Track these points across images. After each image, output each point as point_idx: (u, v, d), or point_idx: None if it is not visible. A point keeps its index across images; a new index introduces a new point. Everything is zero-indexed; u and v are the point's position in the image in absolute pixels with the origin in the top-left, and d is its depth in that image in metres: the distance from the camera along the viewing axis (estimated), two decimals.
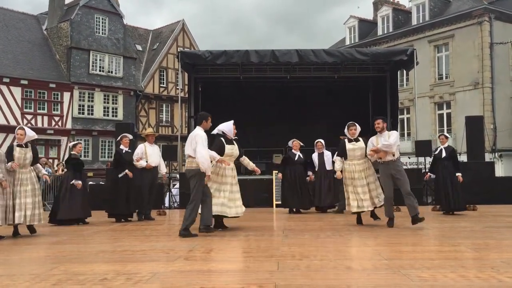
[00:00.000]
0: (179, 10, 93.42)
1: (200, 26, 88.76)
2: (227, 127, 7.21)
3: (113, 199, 9.25)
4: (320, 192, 10.71)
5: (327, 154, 10.88)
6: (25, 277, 4.08)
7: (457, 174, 10.02)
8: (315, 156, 10.97)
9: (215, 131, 7.28)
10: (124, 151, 9.38)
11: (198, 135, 6.52)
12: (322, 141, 11.02)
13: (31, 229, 7.32)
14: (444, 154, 9.98)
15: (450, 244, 5.82)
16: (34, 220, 7.16)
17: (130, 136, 9.73)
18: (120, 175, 9.21)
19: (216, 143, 7.13)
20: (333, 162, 9.19)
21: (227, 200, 7.01)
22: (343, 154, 8.13)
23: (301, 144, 10.98)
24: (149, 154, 9.59)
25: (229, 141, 7.23)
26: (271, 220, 9.50)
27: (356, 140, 8.02)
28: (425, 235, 6.64)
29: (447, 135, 10.50)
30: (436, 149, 10.31)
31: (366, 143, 7.82)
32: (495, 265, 4.31)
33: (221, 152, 7.04)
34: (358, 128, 8.07)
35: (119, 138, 9.74)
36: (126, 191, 9.13)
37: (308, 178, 10.80)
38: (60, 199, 8.96)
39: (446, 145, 10.12)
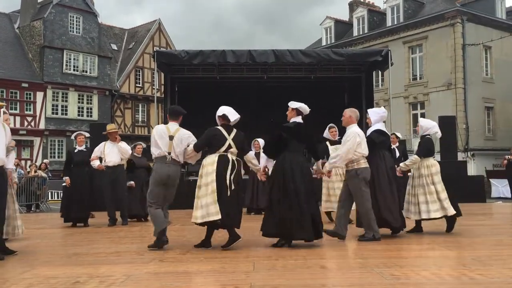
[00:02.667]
0: (160, 10, 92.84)
1: (180, 25, 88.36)
2: None
3: (66, 203, 8.97)
4: (254, 193, 10.48)
5: (263, 155, 10.53)
6: None
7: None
8: None
9: None
10: (76, 150, 8.88)
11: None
12: (260, 140, 10.56)
13: None
14: (398, 154, 9.66)
15: (423, 242, 5.92)
16: None
17: (86, 134, 9.23)
18: (64, 178, 8.88)
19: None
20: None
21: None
22: (324, 156, 8.03)
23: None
24: (106, 153, 8.85)
25: None
26: (246, 221, 9.48)
27: (339, 142, 8.02)
28: (399, 234, 6.73)
29: (398, 134, 10.30)
30: None
31: None
32: (467, 263, 4.40)
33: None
34: (337, 129, 8.29)
35: (73, 135, 9.24)
36: (81, 192, 8.57)
37: None
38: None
39: (397, 144, 9.91)
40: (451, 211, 6.49)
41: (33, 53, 29.27)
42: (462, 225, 7.80)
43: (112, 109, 31.88)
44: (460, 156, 21.02)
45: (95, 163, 8.73)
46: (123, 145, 8.93)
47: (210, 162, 5.45)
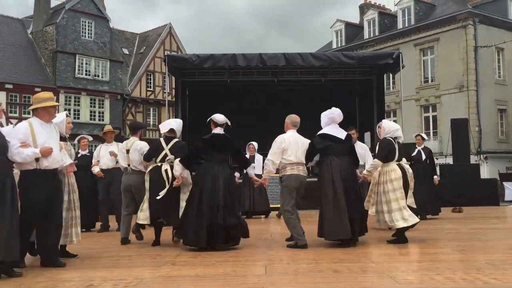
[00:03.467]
0: (172, 14, 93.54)
1: (193, 29, 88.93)
2: None
3: None
4: (251, 197, 10.50)
5: (258, 158, 10.53)
6: (11, 285, 4.02)
7: (434, 176, 9.76)
8: None
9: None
10: (80, 155, 8.43)
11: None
12: (254, 143, 10.74)
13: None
14: (424, 156, 9.65)
15: (436, 246, 5.87)
16: None
17: (90, 138, 8.78)
18: None
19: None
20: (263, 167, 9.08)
21: None
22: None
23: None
24: (101, 156, 8.50)
25: None
26: (257, 224, 9.49)
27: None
28: (412, 238, 6.68)
29: (424, 136, 10.18)
30: (414, 151, 9.87)
31: None
32: (481, 267, 4.36)
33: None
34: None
35: (76, 139, 8.83)
36: (85, 198, 7.54)
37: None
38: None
39: (422, 146, 9.82)
40: (399, 224, 5.85)
41: (45, 58, 29.58)
42: (475, 228, 7.73)
43: (124, 113, 32.08)
44: (473, 159, 20.81)
45: (95, 169, 8.44)
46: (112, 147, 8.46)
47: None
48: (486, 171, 25.12)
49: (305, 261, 4.83)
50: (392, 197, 5.92)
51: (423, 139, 9.93)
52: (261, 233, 6.76)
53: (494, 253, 5.26)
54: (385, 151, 6.10)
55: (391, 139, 6.20)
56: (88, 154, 8.66)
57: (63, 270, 4.62)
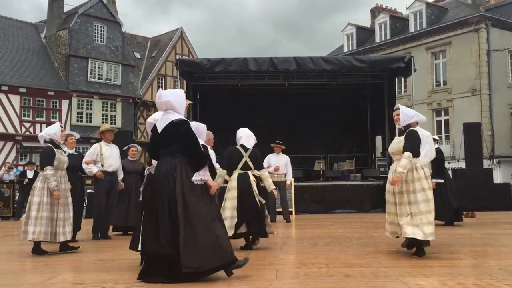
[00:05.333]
0: (185, 18, 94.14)
1: (206, 33, 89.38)
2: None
3: None
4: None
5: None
6: (24, 287, 4.07)
7: (433, 180, 9.27)
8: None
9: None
10: (67, 154, 7.22)
11: None
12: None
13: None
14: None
15: (449, 251, 5.82)
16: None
17: (77, 135, 7.67)
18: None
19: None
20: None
21: None
22: None
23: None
24: (105, 157, 7.74)
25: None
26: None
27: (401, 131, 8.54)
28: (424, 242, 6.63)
29: (436, 137, 9.78)
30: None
31: None
32: (494, 273, 4.32)
33: None
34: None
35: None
36: (75, 201, 6.95)
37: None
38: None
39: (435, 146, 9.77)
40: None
41: (59, 62, 29.90)
42: (488, 233, 7.66)
43: (135, 116, 32.29)
44: (486, 164, 20.64)
45: (93, 169, 7.58)
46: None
47: None
48: (499, 176, 24.86)
49: (316, 265, 4.82)
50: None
51: (434, 140, 9.74)
52: (272, 237, 6.76)
53: (508, 259, 5.21)
54: (417, 142, 5.36)
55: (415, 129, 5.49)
56: (75, 153, 7.64)
57: (75, 273, 4.66)
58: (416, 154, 5.30)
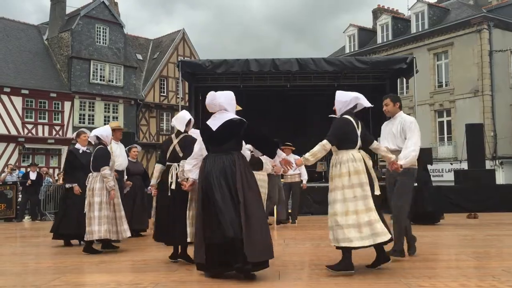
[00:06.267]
0: (189, 19, 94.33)
1: (209, 34, 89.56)
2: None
3: (61, 216, 7.22)
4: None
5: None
6: None
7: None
8: None
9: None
10: (81, 151, 7.14)
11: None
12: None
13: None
14: None
15: (451, 252, 5.82)
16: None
17: (89, 133, 6.98)
18: (68, 186, 7.14)
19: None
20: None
21: None
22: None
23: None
24: (115, 155, 7.22)
25: None
26: (271, 229, 9.49)
27: None
28: (427, 244, 6.63)
29: None
30: None
31: None
32: (496, 274, 4.31)
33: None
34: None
35: (75, 134, 7.36)
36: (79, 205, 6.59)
37: None
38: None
39: None
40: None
41: (61, 63, 29.96)
42: (490, 235, 7.65)
43: (137, 118, 32.34)
44: (488, 165, 20.61)
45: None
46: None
47: None
48: (502, 177, 24.81)
49: (319, 266, 4.82)
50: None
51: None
52: (274, 239, 6.76)
53: (510, 260, 5.20)
54: (337, 131, 4.65)
55: (348, 117, 4.72)
56: (87, 151, 7.16)
57: (78, 274, 4.67)
58: (331, 143, 4.56)
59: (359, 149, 4.65)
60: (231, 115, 4.46)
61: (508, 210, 12.85)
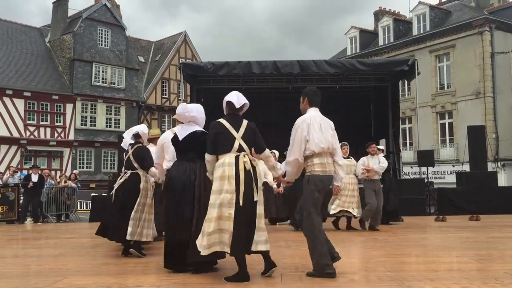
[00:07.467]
0: (192, 22, 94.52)
1: (212, 36, 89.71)
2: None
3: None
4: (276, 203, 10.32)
5: (280, 167, 10.34)
6: None
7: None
8: None
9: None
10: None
11: None
12: (276, 152, 10.51)
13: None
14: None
15: (453, 255, 5.81)
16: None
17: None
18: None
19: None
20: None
21: None
22: None
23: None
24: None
25: None
26: (272, 231, 9.48)
27: (348, 158, 9.22)
28: (429, 246, 6.62)
29: (380, 146, 9.95)
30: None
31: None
32: (499, 276, 4.30)
33: None
34: (349, 147, 9.43)
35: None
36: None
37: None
38: None
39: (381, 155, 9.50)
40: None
41: (63, 66, 30.03)
42: (493, 237, 7.63)
43: (139, 120, 32.36)
44: (490, 167, 20.58)
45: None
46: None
47: None
48: (504, 179, 24.76)
49: None
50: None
51: (379, 149, 9.58)
52: (276, 241, 6.76)
53: None
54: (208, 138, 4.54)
55: (218, 121, 4.53)
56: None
57: (80, 276, 4.68)
58: (209, 153, 4.45)
59: (240, 152, 4.33)
60: (197, 127, 4.90)
61: (510, 212, 12.82)
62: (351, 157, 9.45)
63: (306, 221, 4.47)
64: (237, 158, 4.29)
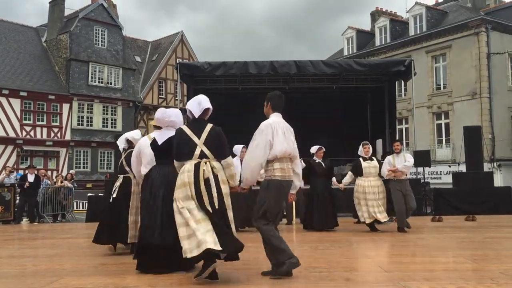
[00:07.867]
0: (190, 22, 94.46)
1: (210, 37, 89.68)
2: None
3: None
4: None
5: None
6: None
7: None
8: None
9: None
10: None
11: None
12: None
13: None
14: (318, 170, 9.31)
15: (450, 255, 5.83)
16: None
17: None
18: None
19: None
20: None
21: None
22: (357, 172, 8.79)
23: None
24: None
25: None
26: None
27: (370, 158, 8.82)
28: (425, 246, 6.64)
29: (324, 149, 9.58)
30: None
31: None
32: (495, 276, 4.32)
33: None
34: (371, 147, 8.95)
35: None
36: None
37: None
38: None
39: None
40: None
41: (59, 65, 29.95)
42: (489, 237, 7.65)
43: (136, 120, 32.33)
44: (486, 167, 20.62)
45: None
46: None
47: None
48: (500, 179, 24.84)
49: (317, 269, 4.82)
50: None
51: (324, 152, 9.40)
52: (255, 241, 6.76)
53: (509, 263, 5.21)
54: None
55: (180, 128, 4.62)
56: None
57: (76, 277, 4.67)
58: (175, 159, 4.54)
59: (202, 158, 4.34)
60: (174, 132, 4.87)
61: (506, 213, 12.86)
62: (373, 158, 8.96)
63: (260, 222, 4.47)
64: (197, 165, 4.30)
